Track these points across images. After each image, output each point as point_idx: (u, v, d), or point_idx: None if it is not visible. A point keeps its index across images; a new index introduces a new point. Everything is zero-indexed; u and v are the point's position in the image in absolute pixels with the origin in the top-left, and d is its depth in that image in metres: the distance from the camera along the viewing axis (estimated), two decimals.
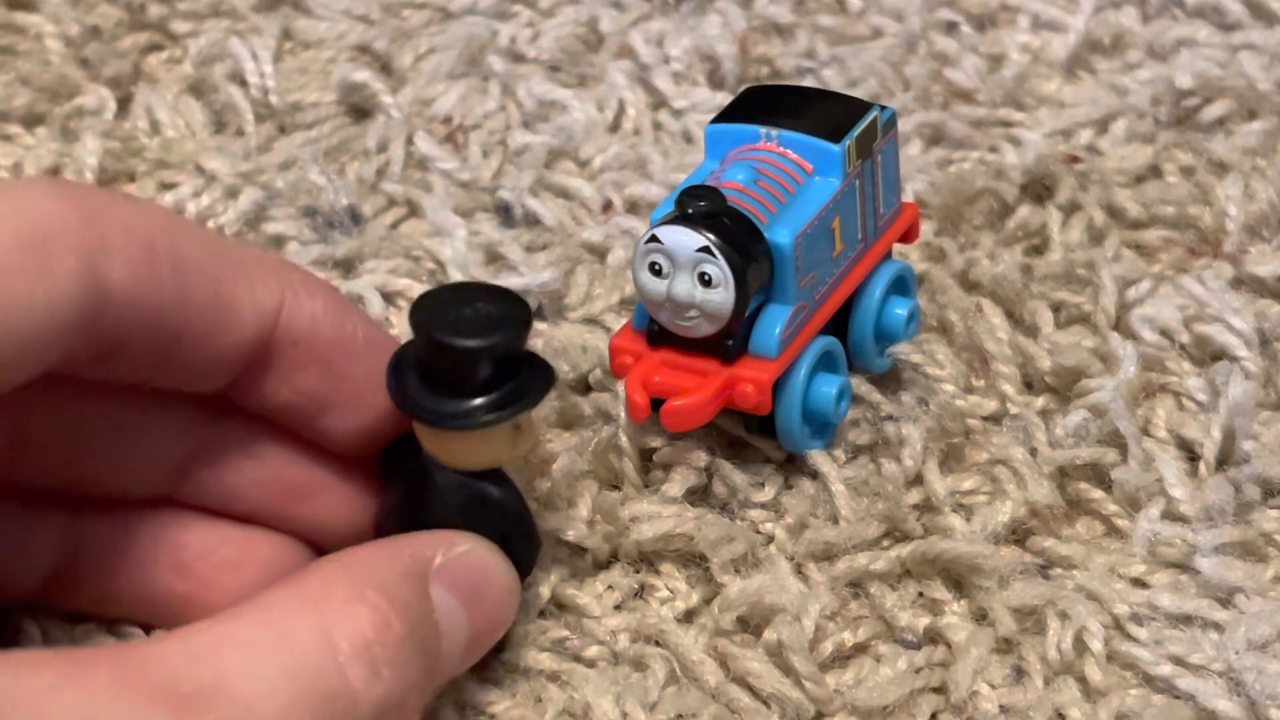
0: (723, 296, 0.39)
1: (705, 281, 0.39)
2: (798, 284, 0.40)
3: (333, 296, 0.36)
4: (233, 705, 0.29)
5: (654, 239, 0.39)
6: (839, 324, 0.43)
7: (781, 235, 0.40)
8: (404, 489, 0.37)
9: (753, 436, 0.43)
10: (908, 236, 0.45)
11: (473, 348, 0.34)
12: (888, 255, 0.44)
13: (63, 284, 0.31)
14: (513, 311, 0.35)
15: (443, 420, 0.35)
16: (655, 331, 0.41)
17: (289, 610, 0.31)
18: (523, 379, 0.35)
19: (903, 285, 0.45)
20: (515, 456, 0.36)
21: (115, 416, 0.36)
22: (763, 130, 0.42)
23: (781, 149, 0.42)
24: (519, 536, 0.37)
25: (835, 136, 0.42)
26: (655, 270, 0.40)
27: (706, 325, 0.40)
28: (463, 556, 0.35)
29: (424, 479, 0.36)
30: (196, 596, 0.37)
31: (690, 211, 0.39)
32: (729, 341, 0.40)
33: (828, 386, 0.41)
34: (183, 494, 0.37)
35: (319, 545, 0.38)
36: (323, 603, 0.31)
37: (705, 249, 0.39)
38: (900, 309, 0.44)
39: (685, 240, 0.39)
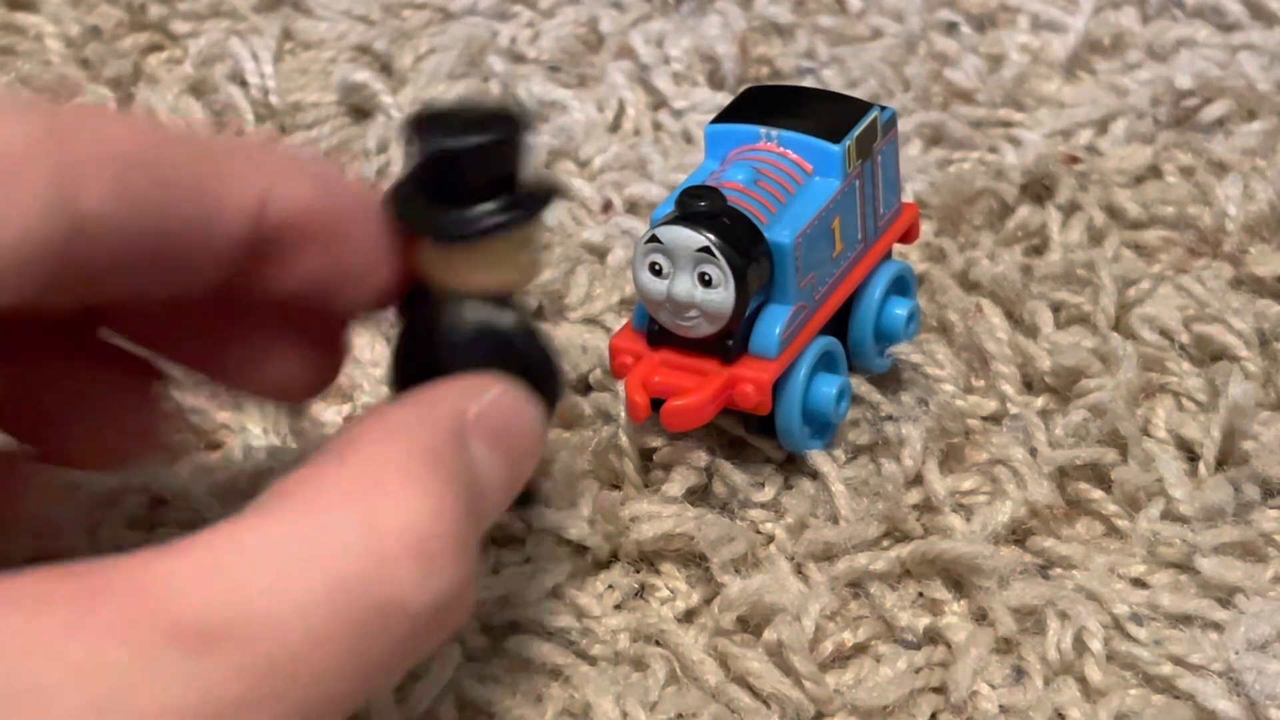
0: (723, 296, 0.39)
1: (705, 281, 0.39)
2: (798, 284, 0.40)
3: (320, 174, 0.34)
4: (260, 638, 0.26)
5: (654, 239, 0.40)
6: (839, 324, 0.43)
7: (781, 235, 0.40)
8: (414, 331, 0.35)
9: (753, 436, 0.43)
10: (908, 237, 0.45)
11: (476, 145, 0.32)
12: (888, 255, 0.44)
13: (32, 211, 0.28)
14: (512, 118, 0.33)
15: (448, 229, 0.33)
16: (655, 331, 0.41)
17: (327, 502, 0.28)
18: (524, 194, 0.33)
19: (903, 285, 0.45)
20: (522, 281, 0.35)
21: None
22: (763, 130, 0.42)
23: (781, 149, 0.42)
24: (538, 362, 0.35)
25: (835, 137, 0.42)
26: (655, 270, 0.40)
27: (706, 325, 0.40)
28: (494, 402, 0.32)
29: (433, 316, 0.34)
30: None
31: (690, 211, 0.39)
32: (729, 341, 0.40)
33: (828, 386, 0.41)
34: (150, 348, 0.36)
35: (280, 400, 0.37)
36: (368, 491, 0.28)
37: (705, 249, 0.39)
38: (900, 309, 0.44)
39: (685, 240, 0.39)
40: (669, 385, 0.40)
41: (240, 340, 0.35)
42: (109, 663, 0.25)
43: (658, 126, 0.56)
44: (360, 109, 0.57)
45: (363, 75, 0.57)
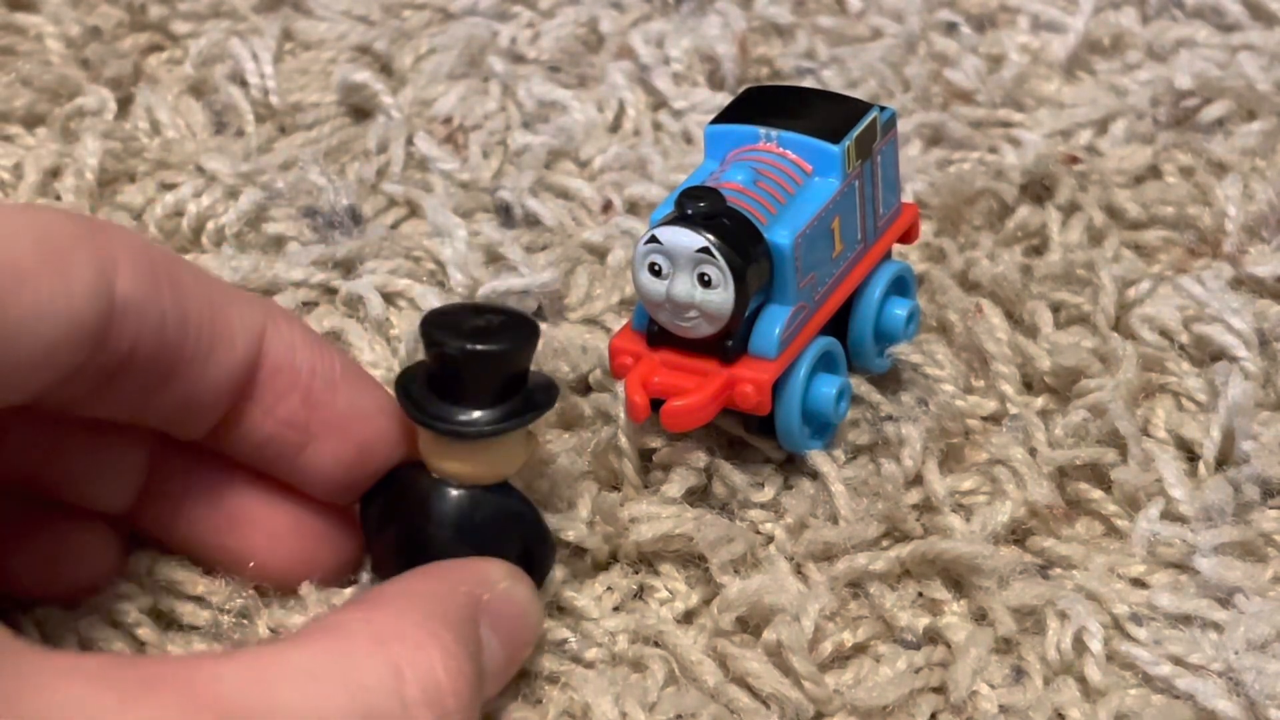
0: (722, 297, 0.39)
1: (705, 282, 0.39)
2: (797, 284, 0.40)
3: (309, 329, 0.37)
4: None
5: (654, 240, 0.39)
6: (839, 324, 0.43)
7: (781, 236, 0.40)
8: (406, 519, 0.37)
9: (753, 437, 0.43)
10: (907, 237, 0.45)
11: (494, 351, 0.35)
12: (887, 255, 0.44)
13: (80, 289, 0.32)
14: (521, 322, 0.36)
15: (468, 428, 0.35)
16: (655, 332, 0.41)
17: (358, 642, 0.31)
18: (530, 388, 0.36)
19: (902, 285, 0.45)
20: (515, 469, 0.37)
21: (82, 439, 0.37)
22: (762, 131, 0.42)
23: (781, 150, 0.42)
24: (540, 542, 0.38)
25: (835, 137, 0.42)
26: (655, 271, 0.40)
27: (706, 326, 0.40)
28: (505, 593, 0.35)
29: (427, 504, 0.37)
30: (247, 554, 0.38)
31: (690, 212, 0.39)
32: (729, 342, 0.40)
33: (827, 387, 0.41)
34: (132, 513, 0.38)
35: (264, 579, 0.39)
36: (395, 641, 0.31)
37: (705, 250, 0.39)
38: (900, 309, 0.44)
39: (685, 241, 0.39)
40: (669, 386, 0.40)
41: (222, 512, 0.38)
42: None
43: (658, 127, 0.56)
44: (360, 109, 0.57)
45: (363, 75, 0.57)
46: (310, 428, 0.37)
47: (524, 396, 0.36)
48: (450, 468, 0.36)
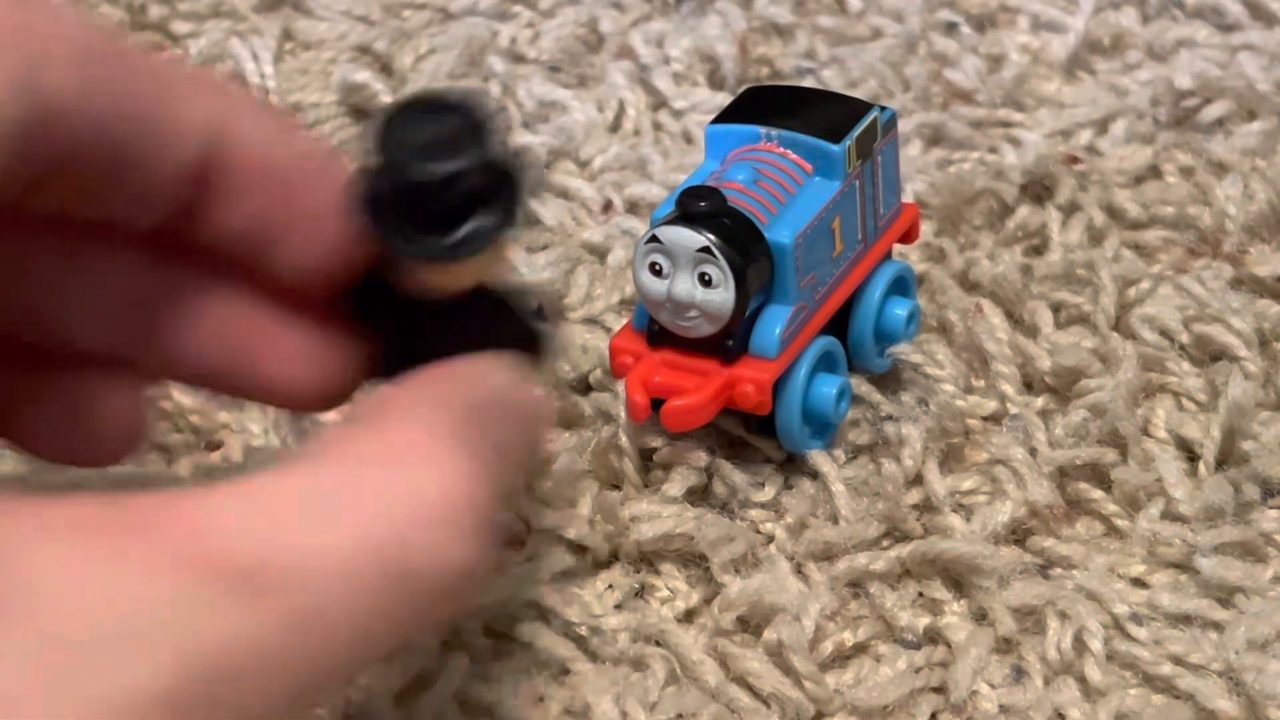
0: (723, 297, 0.39)
1: (705, 282, 0.39)
2: (798, 284, 0.40)
3: (278, 118, 0.33)
4: (303, 586, 0.25)
5: (654, 239, 0.40)
6: (839, 324, 0.43)
7: (782, 235, 0.40)
8: (403, 321, 0.34)
9: (753, 437, 0.43)
10: (908, 237, 0.45)
11: (455, 170, 0.31)
12: (888, 255, 0.44)
13: (1, 90, 0.27)
14: (479, 118, 0.32)
15: (442, 251, 0.32)
16: (655, 331, 0.41)
17: (369, 460, 0.27)
18: (501, 183, 0.32)
19: (903, 285, 0.45)
20: (503, 266, 0.34)
21: (56, 259, 0.33)
22: (763, 131, 0.42)
23: (782, 149, 0.42)
24: (537, 320, 0.35)
25: (835, 137, 0.42)
26: (655, 270, 0.40)
27: (707, 325, 0.40)
28: (510, 386, 0.32)
29: (420, 307, 0.33)
30: (261, 375, 0.34)
31: (691, 212, 0.39)
32: (729, 341, 0.40)
33: (828, 387, 0.41)
34: (135, 350, 0.34)
35: (284, 405, 0.35)
36: (407, 456, 0.27)
37: (705, 249, 0.39)
38: (900, 309, 0.44)
39: (685, 240, 0.39)
40: (669, 385, 0.40)
41: (237, 335, 0.34)
42: (147, 596, 0.24)
43: (658, 127, 0.56)
44: (360, 109, 0.57)
45: (363, 75, 0.57)
46: (282, 224, 0.32)
47: (499, 200, 0.32)
48: (427, 280, 0.33)
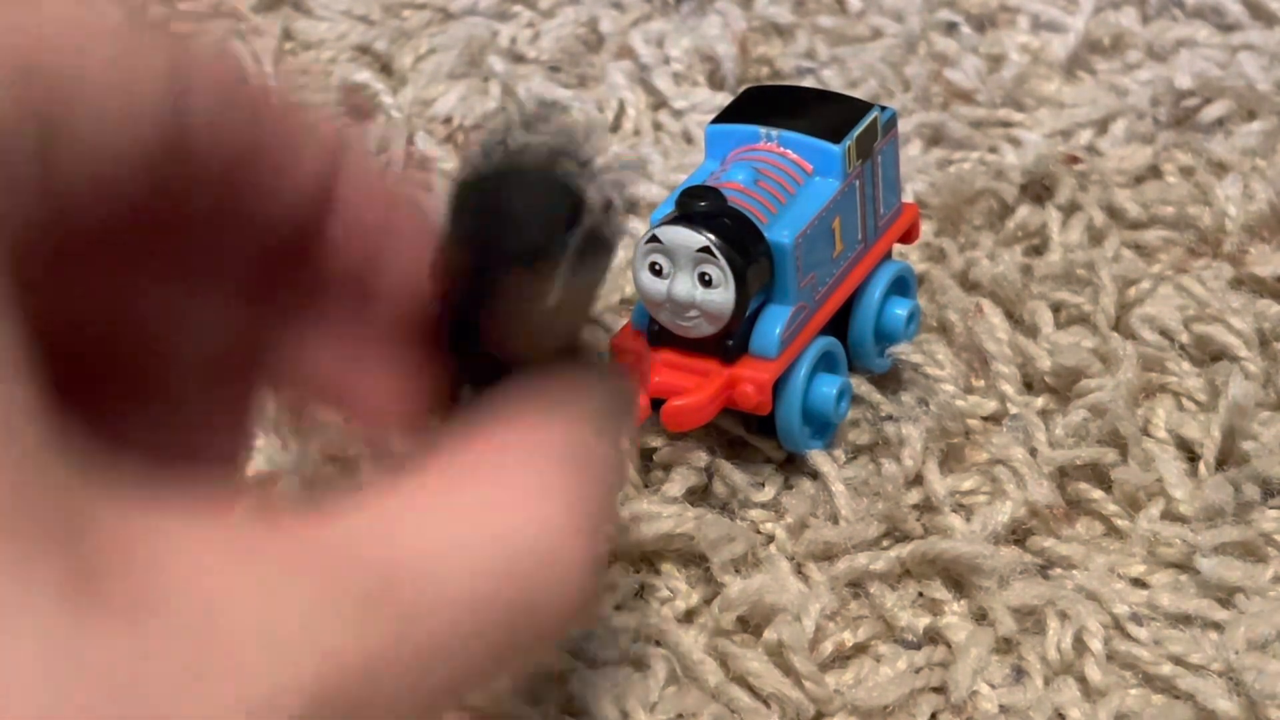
0: (723, 296, 0.39)
1: (705, 281, 0.39)
2: (798, 284, 0.40)
3: (379, 163, 0.34)
4: (428, 612, 0.26)
5: (654, 239, 0.40)
6: (839, 324, 0.43)
7: (782, 235, 0.40)
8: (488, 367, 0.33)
9: (753, 436, 0.43)
10: (908, 237, 0.45)
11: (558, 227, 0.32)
12: (888, 255, 0.44)
13: (148, 103, 0.28)
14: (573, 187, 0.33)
15: (548, 270, 0.31)
16: (655, 331, 0.41)
17: (492, 504, 0.28)
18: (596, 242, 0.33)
19: (903, 285, 0.45)
20: None
21: (169, 281, 0.33)
22: (763, 131, 0.42)
23: (782, 149, 0.42)
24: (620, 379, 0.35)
25: (835, 137, 0.42)
26: (655, 270, 0.40)
27: (707, 325, 0.40)
28: (605, 433, 0.31)
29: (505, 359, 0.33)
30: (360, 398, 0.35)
31: (690, 211, 0.39)
32: (729, 341, 0.40)
33: (828, 387, 0.41)
34: (238, 364, 0.34)
35: (367, 423, 0.35)
36: (530, 497, 0.28)
37: (705, 249, 0.39)
38: (900, 309, 0.44)
39: (685, 240, 0.39)
40: (669, 385, 0.40)
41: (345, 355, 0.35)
42: (291, 602, 0.25)
43: (658, 126, 0.56)
44: (360, 109, 0.57)
45: (363, 75, 0.57)
46: (384, 251, 0.33)
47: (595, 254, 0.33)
48: (523, 326, 0.32)
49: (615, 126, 0.56)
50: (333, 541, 0.26)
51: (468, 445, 0.30)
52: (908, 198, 0.51)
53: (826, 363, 0.42)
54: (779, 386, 0.41)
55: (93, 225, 0.29)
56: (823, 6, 0.61)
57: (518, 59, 0.59)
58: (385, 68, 0.59)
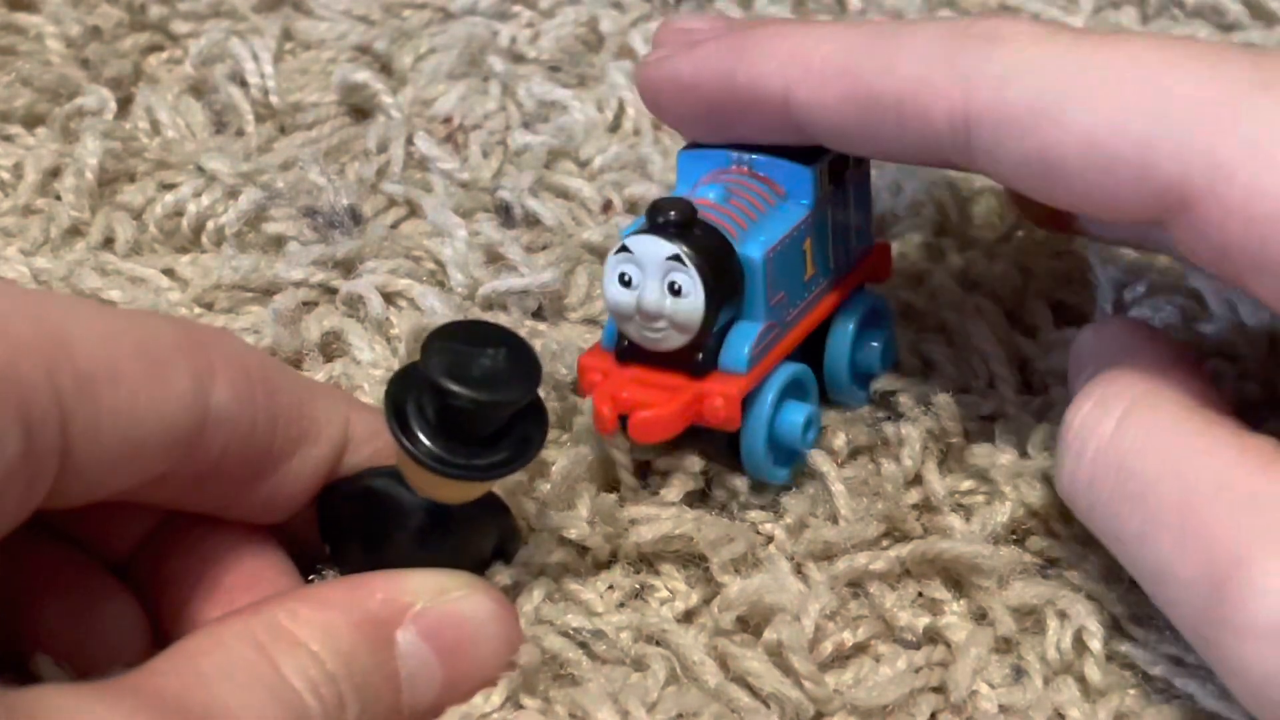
0: (692, 305, 0.39)
1: (675, 290, 0.39)
2: (768, 301, 0.40)
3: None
4: None
5: (624, 249, 0.39)
6: (812, 356, 0.43)
7: (752, 249, 0.40)
8: (379, 528, 0.37)
9: (719, 463, 0.42)
10: (878, 274, 0.45)
11: (500, 400, 0.35)
12: (860, 288, 0.44)
13: (176, 396, 0.33)
14: (524, 355, 0.36)
15: (474, 473, 0.35)
16: (625, 348, 0.40)
17: (247, 642, 0.33)
18: (527, 421, 0.36)
19: (877, 318, 0.44)
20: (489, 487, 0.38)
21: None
22: (734, 155, 0.42)
23: (753, 172, 0.42)
24: (510, 536, 0.39)
25: (807, 159, 0.41)
26: (625, 281, 0.39)
27: (676, 336, 0.39)
28: (450, 604, 0.36)
29: (405, 518, 0.37)
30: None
31: (660, 221, 0.39)
32: (698, 355, 0.40)
33: (796, 414, 0.41)
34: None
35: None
36: (272, 644, 0.33)
37: (675, 257, 0.39)
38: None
39: (655, 249, 0.39)
40: (636, 400, 0.39)
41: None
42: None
43: (658, 126, 0.56)
44: (360, 109, 0.57)
45: (363, 75, 0.57)
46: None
47: (521, 433, 0.36)
48: (442, 494, 0.36)
49: (615, 126, 0.56)
50: (158, 687, 0.32)
51: (280, 600, 0.35)
52: (905, 197, 0.51)
53: (796, 390, 0.42)
54: (745, 410, 0.40)
55: (112, 490, 0.34)
56: (823, 6, 0.61)
57: (518, 59, 0.59)
58: (385, 68, 0.59)
